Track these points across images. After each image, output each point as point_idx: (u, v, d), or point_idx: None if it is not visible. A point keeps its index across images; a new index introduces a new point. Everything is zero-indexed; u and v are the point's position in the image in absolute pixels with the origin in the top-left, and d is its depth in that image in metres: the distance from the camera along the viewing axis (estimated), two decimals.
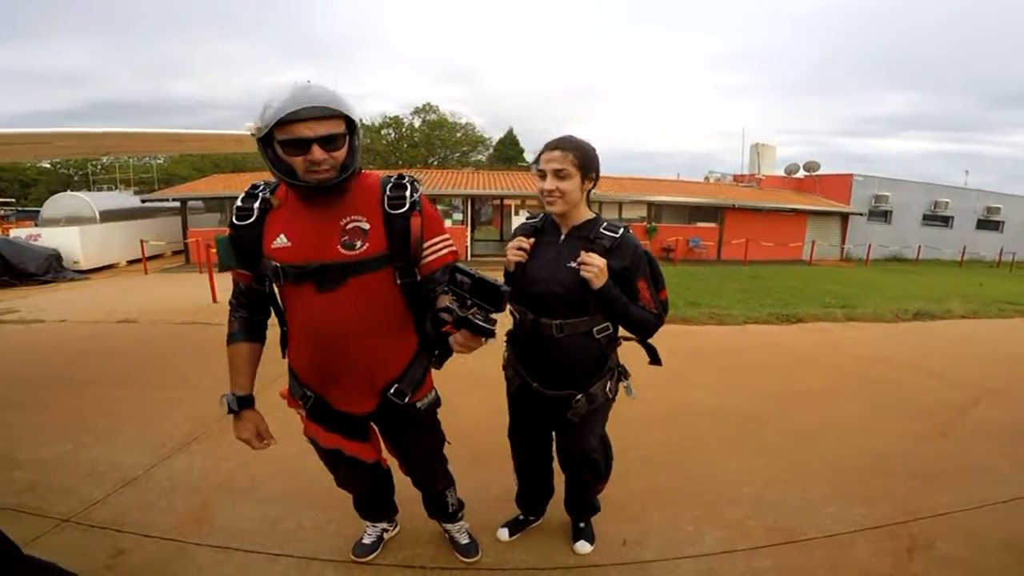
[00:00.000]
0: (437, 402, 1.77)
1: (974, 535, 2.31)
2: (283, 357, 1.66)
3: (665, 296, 1.81)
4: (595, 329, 1.79)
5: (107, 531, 2.29)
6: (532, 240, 1.83)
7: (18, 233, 12.67)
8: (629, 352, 1.93)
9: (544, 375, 1.86)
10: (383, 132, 35.15)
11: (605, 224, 1.76)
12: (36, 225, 13.62)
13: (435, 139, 35.21)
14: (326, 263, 1.41)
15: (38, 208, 16.22)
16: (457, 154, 35.99)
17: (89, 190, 19.59)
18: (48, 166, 36.51)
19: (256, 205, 1.47)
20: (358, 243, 1.42)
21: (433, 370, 1.68)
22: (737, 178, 23.45)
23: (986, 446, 3.22)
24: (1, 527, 2.16)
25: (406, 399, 1.60)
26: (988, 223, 21.97)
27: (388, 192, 1.45)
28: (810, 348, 5.72)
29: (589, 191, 1.78)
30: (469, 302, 1.20)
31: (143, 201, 15.82)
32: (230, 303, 1.62)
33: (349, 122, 1.35)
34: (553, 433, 2.09)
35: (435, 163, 33.12)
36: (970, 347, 5.97)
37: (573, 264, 1.70)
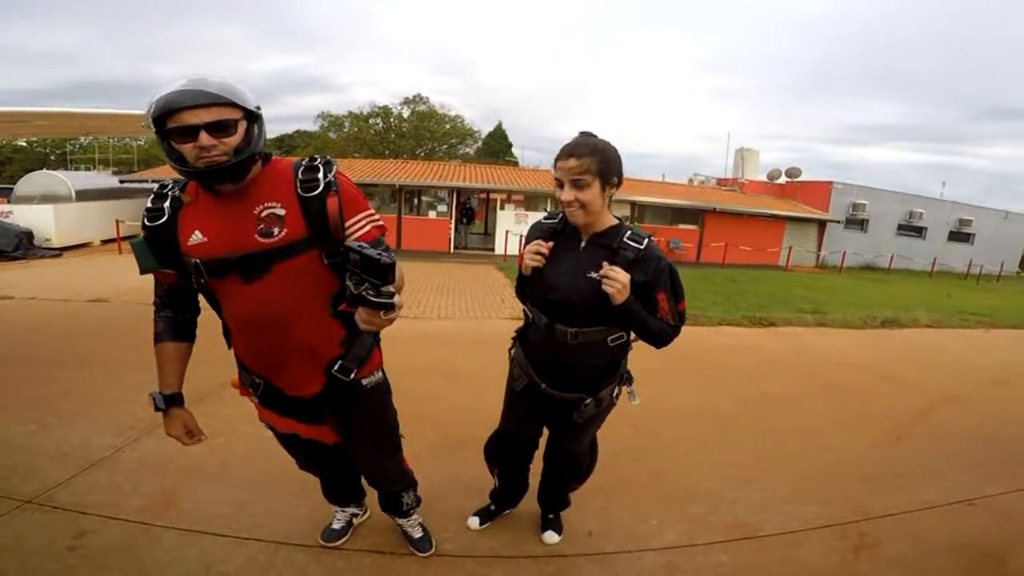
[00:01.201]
0: (385, 383, 1.74)
1: (920, 536, 2.41)
2: (229, 348, 1.66)
3: (683, 307, 1.75)
4: (609, 338, 1.76)
5: (70, 513, 2.27)
6: (550, 244, 1.76)
7: None
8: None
9: (554, 378, 1.84)
10: (371, 122, 34.79)
11: (629, 233, 1.69)
12: (9, 202, 13.29)
13: (423, 130, 34.85)
14: (247, 253, 1.39)
15: (10, 185, 15.84)
16: (445, 146, 35.72)
17: (66, 169, 19.14)
18: (24, 144, 35.49)
19: (166, 204, 1.44)
20: (275, 230, 1.40)
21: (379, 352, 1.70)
22: (721, 182, 23.75)
23: (938, 450, 3.35)
24: None
25: (351, 375, 1.58)
26: (960, 235, 22.55)
27: (300, 176, 1.43)
28: (780, 351, 5.87)
29: (611, 196, 1.69)
30: (362, 279, 1.20)
31: (121, 182, 15.59)
32: (154, 303, 1.61)
33: (249, 112, 1.34)
34: (540, 436, 2.10)
35: (422, 154, 32.88)
36: (932, 355, 6.18)
37: (594, 275, 1.64)
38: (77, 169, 20.32)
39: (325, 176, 1.43)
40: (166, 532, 2.17)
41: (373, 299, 1.19)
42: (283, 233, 1.40)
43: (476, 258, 14.80)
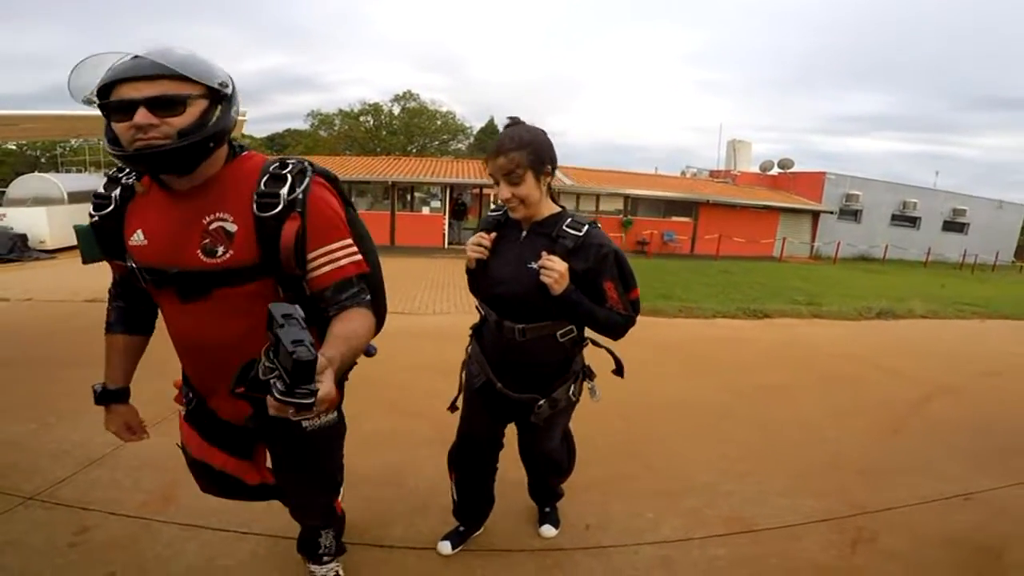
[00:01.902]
0: (338, 427, 1.50)
1: (916, 530, 2.43)
2: None
3: (636, 296, 1.68)
4: (559, 333, 1.69)
5: (72, 509, 2.29)
6: (493, 235, 1.72)
7: None
8: (598, 352, 1.91)
9: (508, 376, 1.78)
10: (362, 119, 34.67)
11: (569, 220, 1.63)
12: (1, 205, 13.29)
13: (414, 127, 34.81)
14: (183, 270, 1.17)
15: (3, 189, 15.79)
16: (436, 142, 35.67)
17: (57, 171, 19.04)
18: (13, 147, 35.19)
19: (116, 192, 1.25)
20: (220, 249, 1.15)
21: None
22: (713, 174, 23.78)
23: (935, 443, 3.37)
24: None
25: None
26: (954, 225, 22.69)
27: (260, 187, 1.16)
28: (775, 343, 5.90)
29: (549, 183, 1.63)
30: (272, 363, 0.87)
31: None
32: (109, 291, 1.46)
33: (211, 89, 1.09)
34: (504, 437, 2.04)
35: (414, 151, 32.80)
36: (928, 346, 6.23)
37: (534, 265, 1.57)
38: (68, 171, 20.17)
39: (291, 191, 1.16)
40: (166, 527, 2.18)
41: (278, 396, 0.84)
42: (227, 255, 1.16)
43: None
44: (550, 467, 2.10)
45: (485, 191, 18.95)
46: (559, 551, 2.18)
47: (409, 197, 17.19)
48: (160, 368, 1.53)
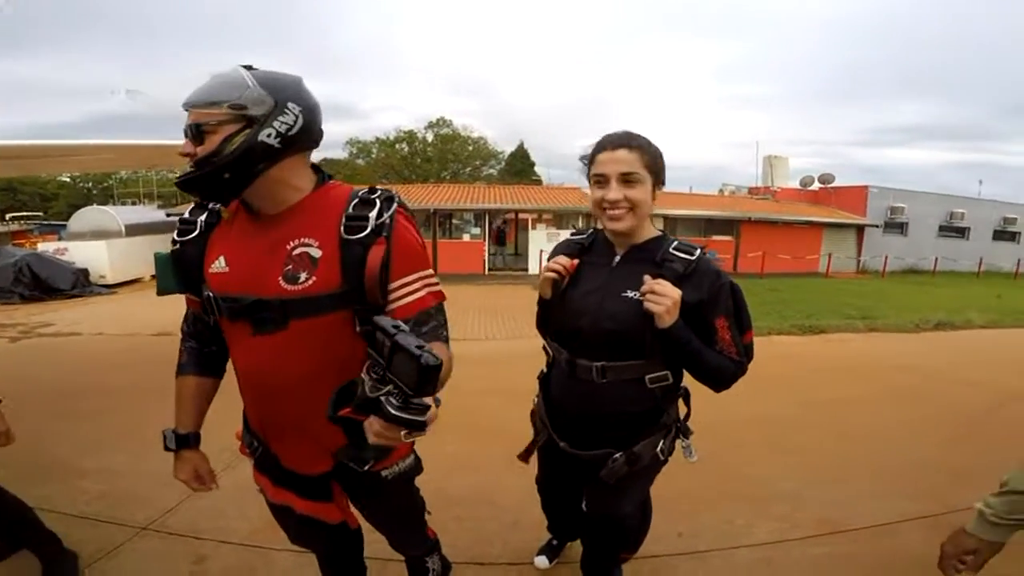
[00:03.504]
0: (415, 469, 1.42)
1: None
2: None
3: (751, 339, 1.42)
4: (648, 377, 1.42)
5: (186, 538, 2.37)
6: (575, 262, 1.49)
7: (45, 247, 12.55)
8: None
9: (577, 429, 1.54)
10: (397, 147, 35.59)
11: (677, 243, 1.40)
12: (60, 239, 13.53)
13: (447, 153, 35.45)
14: (263, 298, 1.12)
15: (60, 222, 16.01)
16: (469, 168, 36.22)
17: (113, 203, 19.69)
18: (68, 179, 36.83)
19: (203, 217, 1.23)
20: (303, 275, 1.11)
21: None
22: (752, 190, 23.57)
23: (1012, 446, 3.33)
24: (81, 535, 2.29)
25: (366, 467, 1.18)
26: (1005, 234, 21.88)
27: (349, 210, 1.12)
28: (835, 358, 5.87)
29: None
30: (384, 376, 0.81)
31: (167, 215, 15.79)
32: (181, 329, 1.39)
33: (239, 116, 1.04)
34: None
35: (447, 177, 33.43)
36: (992, 354, 6.11)
37: (630, 293, 1.35)
38: (123, 203, 20.87)
39: (379, 215, 1.11)
40: (280, 555, 2.21)
41: (393, 412, 0.78)
42: (310, 282, 1.11)
43: (510, 279, 14.97)
44: (616, 535, 1.73)
45: (521, 216, 19.22)
46: (654, 558, 2.23)
47: (448, 224, 17.56)
48: (236, 401, 1.38)
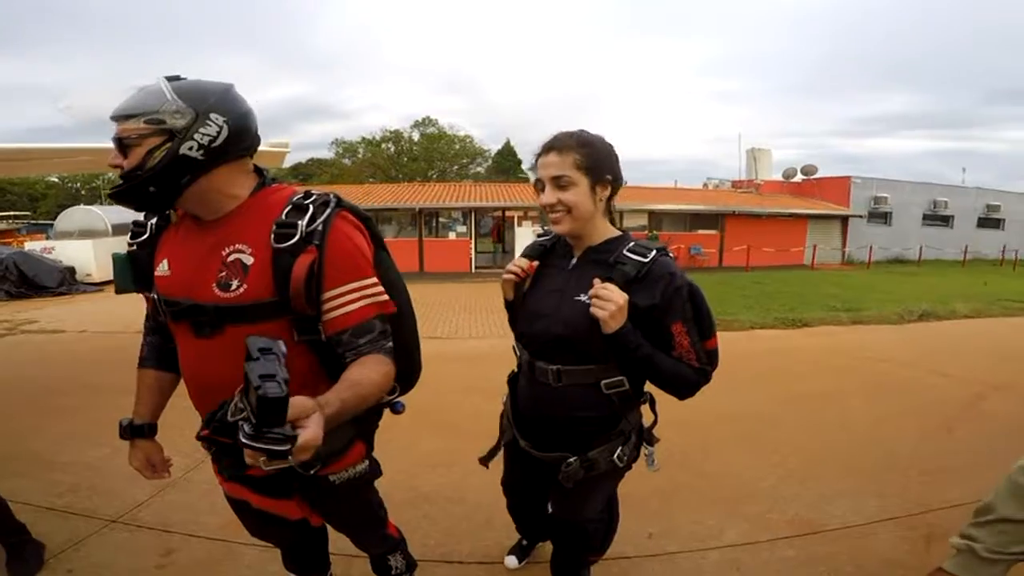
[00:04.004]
0: (369, 474, 1.39)
1: None
2: None
3: (714, 346, 1.37)
4: (604, 382, 1.38)
5: (155, 531, 2.40)
6: (535, 263, 1.48)
7: (32, 246, 12.73)
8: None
9: (538, 430, 1.53)
10: (383, 146, 35.47)
11: (633, 244, 1.35)
12: (48, 238, 13.68)
13: (434, 152, 35.46)
14: (198, 303, 1.12)
15: (48, 221, 16.05)
16: (456, 167, 36.25)
17: (100, 204, 19.62)
18: (56, 180, 36.85)
19: (153, 221, 1.25)
20: (234, 283, 1.10)
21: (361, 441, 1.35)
22: (736, 184, 23.64)
23: (991, 440, 3.32)
24: (49, 526, 2.34)
25: (311, 471, 1.23)
26: (989, 221, 22.07)
27: (281, 217, 1.11)
28: (818, 351, 5.84)
29: (608, 200, 1.39)
30: (245, 400, 0.78)
31: None
32: (144, 325, 1.43)
33: (163, 130, 1.04)
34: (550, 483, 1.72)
35: (434, 176, 33.39)
36: (975, 345, 6.10)
37: (582, 297, 1.32)
38: (110, 204, 20.85)
39: (311, 222, 1.10)
40: (247, 549, 2.22)
41: (243, 440, 0.75)
42: (241, 290, 1.09)
43: (496, 277, 14.87)
44: (580, 540, 1.73)
45: (507, 214, 19.17)
46: (624, 559, 2.19)
47: (434, 223, 17.47)
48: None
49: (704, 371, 1.35)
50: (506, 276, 1.48)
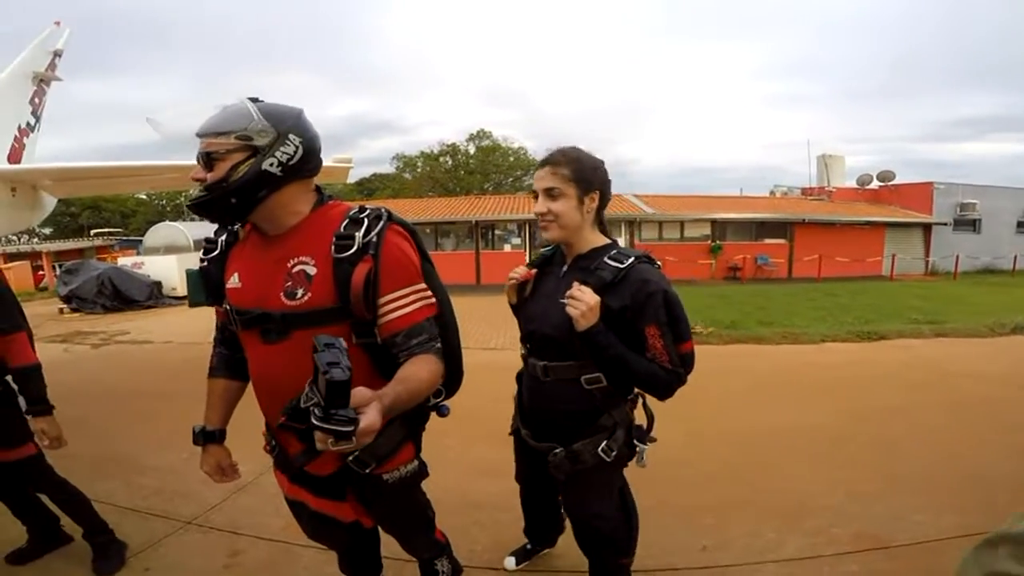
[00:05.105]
0: (419, 474, 1.47)
1: None
2: None
3: (688, 349, 1.46)
4: (584, 378, 1.51)
5: (224, 533, 2.53)
6: (533, 271, 1.65)
7: (124, 262, 13.75)
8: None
9: (533, 422, 1.69)
10: (441, 159, 36.28)
11: (614, 252, 1.48)
12: (138, 254, 14.75)
13: (489, 165, 35.97)
14: (267, 311, 1.23)
15: (138, 237, 17.27)
16: (510, 179, 36.55)
17: (183, 220, 20.96)
18: (144, 197, 39.72)
19: (223, 238, 1.36)
20: (300, 291, 1.20)
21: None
22: (806, 191, 22.64)
23: None
24: (132, 527, 2.52)
25: (367, 470, 1.32)
26: None
27: (340, 230, 1.21)
28: (894, 365, 5.50)
29: (599, 211, 1.53)
30: (315, 388, 0.88)
31: None
32: (214, 337, 1.55)
33: (246, 145, 1.15)
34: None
35: (490, 188, 33.78)
36: None
37: (563, 300, 1.45)
38: (193, 220, 22.43)
39: (366, 234, 1.20)
40: (305, 551, 2.28)
41: (314, 422, 0.85)
42: (306, 297, 1.20)
43: None
44: (597, 539, 1.76)
45: None
46: (674, 571, 2.14)
47: (490, 235, 17.67)
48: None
49: (677, 373, 1.43)
50: (509, 282, 1.65)
